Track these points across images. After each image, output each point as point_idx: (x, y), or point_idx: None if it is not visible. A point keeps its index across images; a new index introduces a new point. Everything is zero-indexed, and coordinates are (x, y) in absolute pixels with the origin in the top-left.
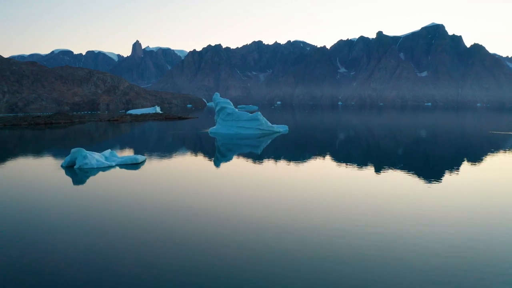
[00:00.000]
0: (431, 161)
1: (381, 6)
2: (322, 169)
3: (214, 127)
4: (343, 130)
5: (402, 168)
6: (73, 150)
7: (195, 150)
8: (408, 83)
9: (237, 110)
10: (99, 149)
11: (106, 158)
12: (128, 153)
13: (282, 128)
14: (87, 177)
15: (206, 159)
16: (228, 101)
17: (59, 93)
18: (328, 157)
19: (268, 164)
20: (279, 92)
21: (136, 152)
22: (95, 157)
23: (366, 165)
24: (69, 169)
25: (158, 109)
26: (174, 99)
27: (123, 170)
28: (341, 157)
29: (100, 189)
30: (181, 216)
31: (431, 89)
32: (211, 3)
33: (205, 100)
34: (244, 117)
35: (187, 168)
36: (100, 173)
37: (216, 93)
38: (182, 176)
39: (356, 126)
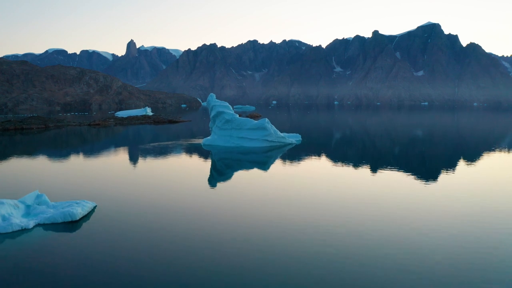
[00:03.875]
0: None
1: (377, 5)
2: (357, 194)
3: (209, 137)
4: (362, 136)
5: (425, 176)
6: None
7: (180, 174)
8: (404, 82)
9: (237, 116)
10: (42, 171)
11: (26, 209)
12: (72, 189)
13: (294, 138)
14: None
15: (195, 191)
16: (227, 104)
17: (50, 93)
18: (365, 176)
19: (281, 187)
20: (275, 92)
21: (87, 187)
22: (1, 212)
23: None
24: None
25: (148, 111)
26: (169, 99)
27: (49, 234)
28: (382, 173)
29: (4, 274)
30: None
31: (428, 89)
32: (206, 2)
33: (200, 100)
34: (247, 125)
35: (162, 213)
36: (6, 241)
37: (211, 94)
38: (151, 235)
39: (369, 128)
